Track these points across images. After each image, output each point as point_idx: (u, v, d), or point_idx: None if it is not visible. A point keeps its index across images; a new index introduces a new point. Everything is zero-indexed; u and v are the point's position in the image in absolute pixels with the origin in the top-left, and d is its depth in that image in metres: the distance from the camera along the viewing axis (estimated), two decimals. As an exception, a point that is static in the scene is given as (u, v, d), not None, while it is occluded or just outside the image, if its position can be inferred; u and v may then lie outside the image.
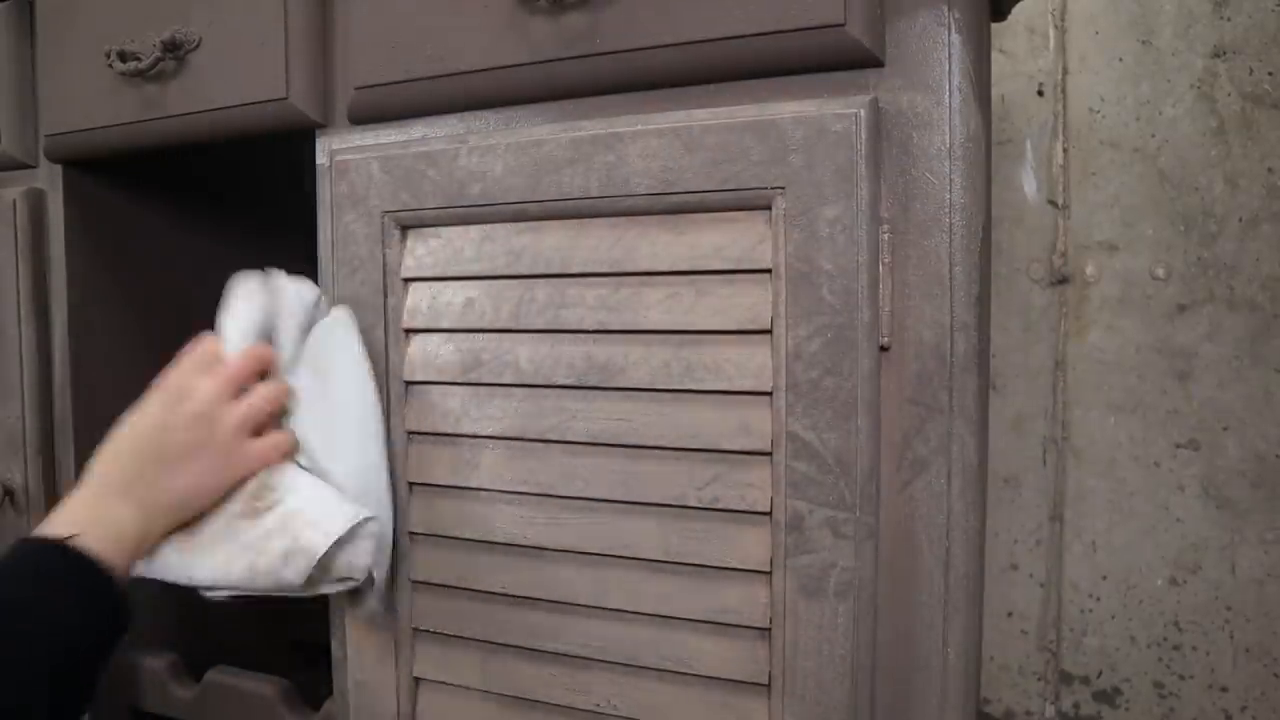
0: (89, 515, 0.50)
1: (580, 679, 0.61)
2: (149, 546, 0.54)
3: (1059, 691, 1.05)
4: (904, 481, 0.54)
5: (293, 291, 0.64)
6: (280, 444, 0.57)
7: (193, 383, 0.54)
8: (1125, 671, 1.02)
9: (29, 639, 0.45)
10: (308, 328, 0.64)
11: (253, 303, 0.61)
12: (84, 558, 0.48)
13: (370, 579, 0.59)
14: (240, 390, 0.56)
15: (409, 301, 0.66)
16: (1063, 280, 1.02)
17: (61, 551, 0.48)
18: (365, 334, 0.67)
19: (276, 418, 0.59)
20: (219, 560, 0.55)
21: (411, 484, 0.66)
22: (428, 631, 0.66)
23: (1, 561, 0.48)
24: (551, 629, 0.62)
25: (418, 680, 0.67)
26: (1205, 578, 0.97)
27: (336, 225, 0.68)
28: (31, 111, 0.85)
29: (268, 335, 0.61)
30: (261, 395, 0.56)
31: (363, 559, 0.58)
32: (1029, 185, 1.03)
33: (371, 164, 0.66)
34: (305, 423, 0.60)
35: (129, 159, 0.83)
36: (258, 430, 0.57)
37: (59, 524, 0.50)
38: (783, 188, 0.53)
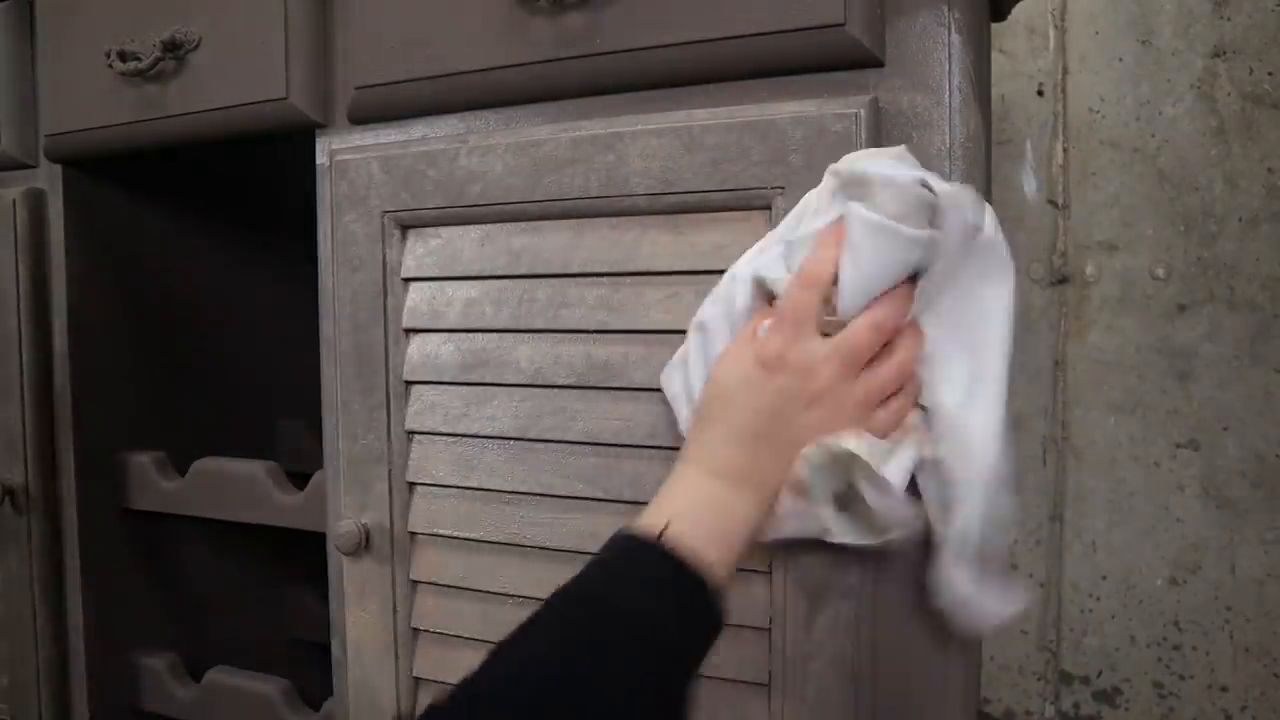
0: (702, 504, 0.45)
1: (580, 679, 0.61)
2: (764, 524, 0.48)
3: (1059, 691, 1.05)
4: (904, 481, 0.54)
5: (953, 215, 0.46)
6: (904, 421, 0.48)
7: (810, 358, 0.45)
8: (1125, 671, 1.02)
9: (631, 648, 0.41)
10: (958, 251, 0.47)
11: (885, 236, 0.45)
12: (686, 564, 0.43)
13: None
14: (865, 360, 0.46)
15: (409, 301, 0.66)
16: (1063, 280, 1.02)
17: (665, 556, 0.43)
18: (365, 334, 0.67)
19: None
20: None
21: (411, 484, 0.66)
22: (428, 631, 0.66)
23: (604, 557, 0.44)
24: (551, 629, 0.62)
25: (418, 680, 0.67)
26: (1205, 578, 0.97)
27: (336, 225, 0.68)
28: (31, 111, 0.85)
29: (904, 266, 0.46)
30: (888, 373, 0.46)
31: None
32: (1029, 185, 1.03)
33: (371, 164, 0.66)
34: (935, 377, 0.48)
35: (129, 159, 0.83)
36: (883, 400, 0.48)
37: (668, 510, 0.45)
38: (783, 188, 0.53)
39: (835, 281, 0.46)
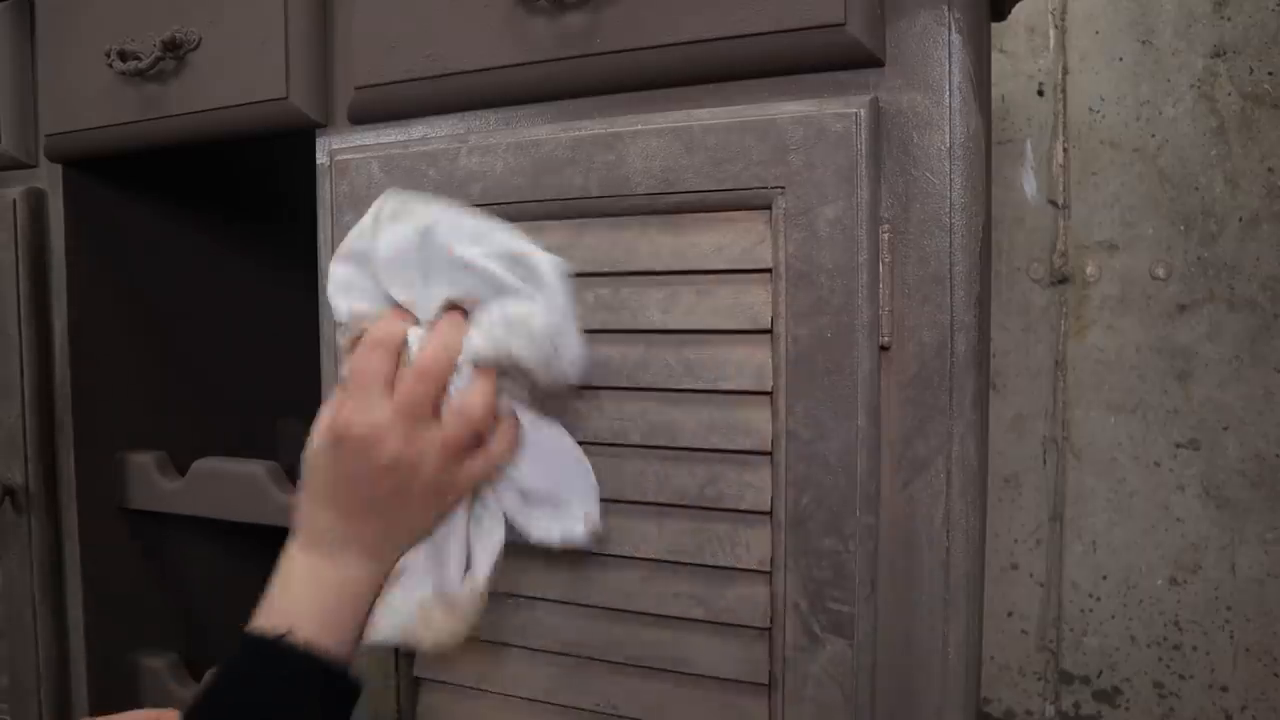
0: (309, 588, 0.47)
1: (580, 679, 0.61)
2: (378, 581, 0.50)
3: (1059, 691, 1.05)
4: (904, 481, 0.54)
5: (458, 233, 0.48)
6: (496, 457, 0.50)
7: (373, 422, 0.46)
8: (1125, 671, 1.02)
9: None
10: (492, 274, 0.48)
11: (410, 258, 0.47)
12: (312, 656, 0.46)
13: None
14: (436, 403, 0.47)
15: (409, 301, 0.66)
16: (1063, 280, 1.02)
17: (288, 653, 0.46)
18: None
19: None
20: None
21: (411, 484, 0.66)
22: (428, 631, 0.66)
23: (233, 664, 0.47)
24: (551, 628, 0.62)
25: (418, 680, 0.67)
26: (1205, 578, 0.97)
27: (337, 225, 0.68)
28: (31, 111, 0.85)
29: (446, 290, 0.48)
30: (460, 417, 0.47)
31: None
32: (1029, 185, 1.03)
33: (372, 164, 0.66)
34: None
35: (129, 159, 0.83)
36: (468, 443, 0.49)
37: (281, 605, 0.47)
38: (783, 187, 0.53)
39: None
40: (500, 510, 0.52)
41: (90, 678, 0.87)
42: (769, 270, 0.54)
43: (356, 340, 0.49)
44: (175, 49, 0.74)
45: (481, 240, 0.48)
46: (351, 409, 0.47)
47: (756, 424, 0.55)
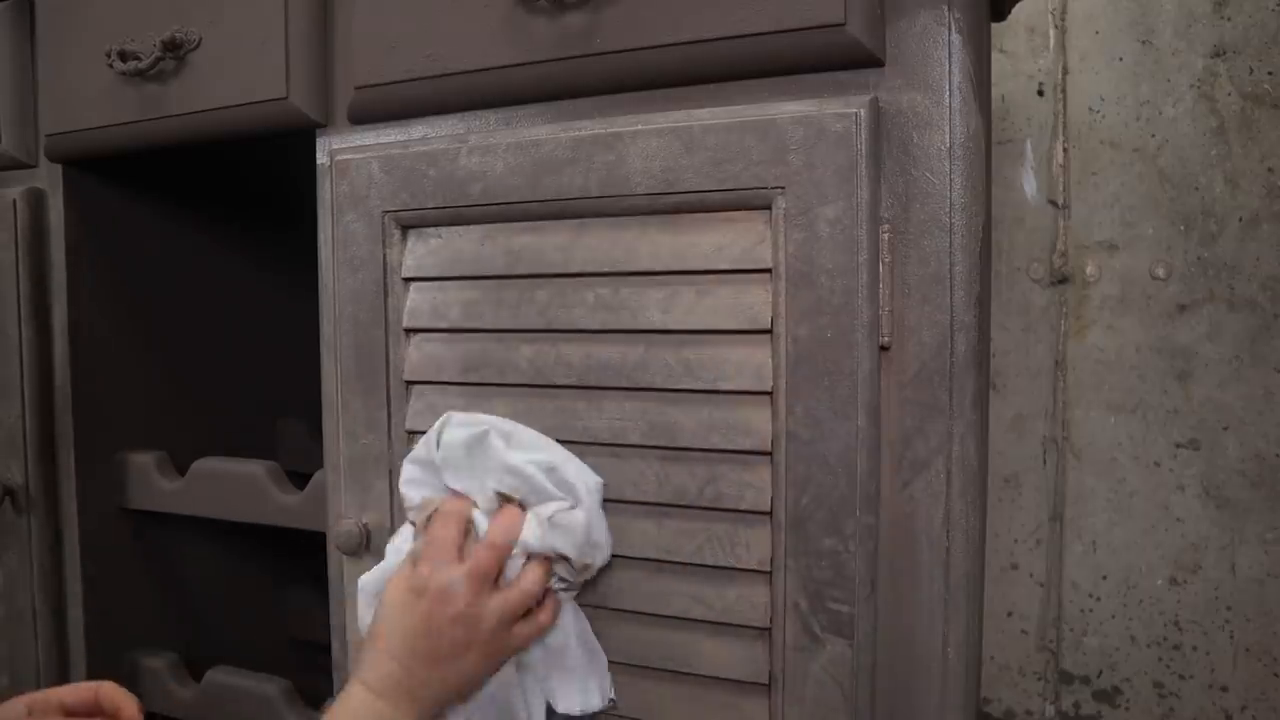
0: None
1: (580, 679, 0.61)
2: None
3: (1059, 691, 1.05)
4: (904, 481, 0.54)
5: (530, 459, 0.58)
6: (542, 626, 0.58)
7: (449, 580, 0.54)
8: (1125, 671, 1.02)
9: None
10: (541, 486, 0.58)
11: (488, 463, 0.57)
12: None
13: None
14: (498, 574, 0.56)
15: (409, 301, 0.66)
16: (1063, 280, 1.02)
17: None
18: (365, 334, 0.67)
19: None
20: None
21: (411, 484, 0.66)
22: (428, 631, 0.66)
23: None
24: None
25: (418, 680, 0.67)
26: (1205, 578, 0.97)
27: (337, 225, 0.68)
28: (31, 111, 0.85)
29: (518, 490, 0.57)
30: (515, 593, 0.55)
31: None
32: (1029, 185, 1.03)
33: (372, 164, 0.66)
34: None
35: (130, 159, 0.83)
36: (519, 614, 0.57)
37: None
38: (783, 187, 0.53)
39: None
40: (538, 680, 0.60)
41: (90, 678, 0.87)
42: (769, 270, 0.54)
43: (428, 518, 0.58)
44: (175, 49, 0.74)
45: (523, 448, 0.58)
46: (429, 569, 0.55)
47: (756, 424, 0.55)
